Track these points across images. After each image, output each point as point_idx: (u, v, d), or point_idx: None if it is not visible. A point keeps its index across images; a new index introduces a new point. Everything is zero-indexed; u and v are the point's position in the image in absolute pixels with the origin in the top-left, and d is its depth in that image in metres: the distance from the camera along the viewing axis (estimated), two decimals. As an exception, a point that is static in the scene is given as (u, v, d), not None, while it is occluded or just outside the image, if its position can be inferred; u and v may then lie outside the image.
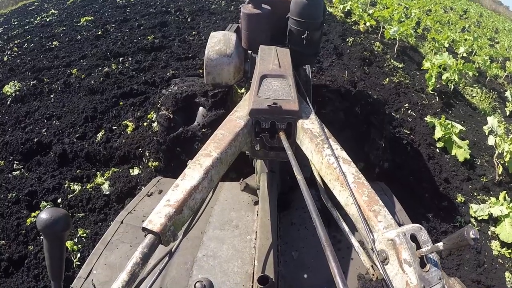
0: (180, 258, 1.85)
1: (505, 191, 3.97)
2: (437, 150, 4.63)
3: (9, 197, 3.85)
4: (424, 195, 3.88)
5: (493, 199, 3.95)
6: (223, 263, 1.79)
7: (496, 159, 4.49)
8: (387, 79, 5.90)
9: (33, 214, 3.60)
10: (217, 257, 1.83)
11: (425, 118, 4.99)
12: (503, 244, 3.58)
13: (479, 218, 3.83)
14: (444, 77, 5.86)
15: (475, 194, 4.17)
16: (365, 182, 1.33)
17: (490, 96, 6.63)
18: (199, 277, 1.63)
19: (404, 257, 1.04)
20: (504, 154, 4.32)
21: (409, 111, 5.21)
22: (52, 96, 5.96)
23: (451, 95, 6.02)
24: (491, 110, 6.37)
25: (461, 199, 4.00)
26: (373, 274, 1.27)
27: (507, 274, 3.31)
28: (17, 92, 6.22)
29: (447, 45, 7.85)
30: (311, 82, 3.22)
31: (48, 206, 3.63)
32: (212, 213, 2.18)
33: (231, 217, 2.15)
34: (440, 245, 1.00)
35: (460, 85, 6.52)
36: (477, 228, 3.77)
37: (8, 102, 6.04)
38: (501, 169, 4.38)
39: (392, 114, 5.09)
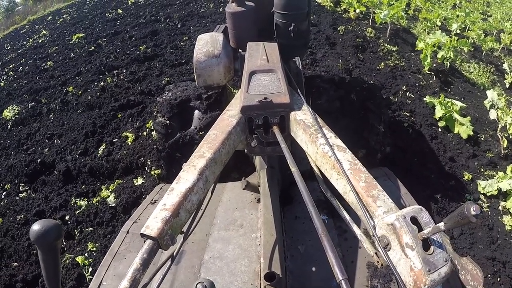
0: (187, 262, 1.85)
1: (506, 162, 3.92)
2: (439, 129, 4.58)
3: (18, 219, 3.90)
4: (430, 176, 3.85)
5: (500, 173, 3.86)
6: (230, 263, 1.79)
7: (500, 133, 4.41)
8: (382, 64, 5.87)
9: (42, 233, 3.62)
10: (224, 258, 1.82)
11: (424, 99, 4.94)
12: (515, 218, 3.53)
13: (488, 194, 3.75)
14: (439, 55, 5.80)
15: (482, 170, 4.07)
16: (362, 168, 1.31)
17: (488, 70, 6.56)
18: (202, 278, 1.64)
19: (406, 241, 1.02)
20: (507, 126, 4.27)
21: (407, 93, 5.17)
22: (51, 115, 6.01)
23: (448, 73, 5.95)
24: (490, 84, 6.30)
25: (469, 177, 3.93)
26: (378, 261, 1.26)
27: (521, 248, 3.27)
28: (17, 116, 6.29)
29: (439, 24, 7.76)
30: (302, 74, 3.20)
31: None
32: (216, 215, 2.17)
33: (235, 217, 2.14)
34: (441, 225, 0.96)
35: (457, 62, 6.45)
36: (487, 204, 3.69)
37: (9, 126, 6.11)
38: (505, 142, 4.30)
39: (390, 98, 5.06)
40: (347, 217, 1.37)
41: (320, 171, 1.54)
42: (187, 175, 1.37)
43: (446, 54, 5.76)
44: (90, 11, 14.58)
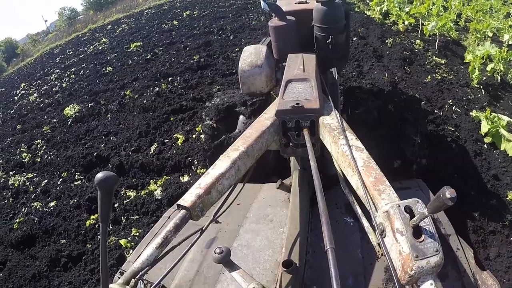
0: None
1: None
2: (485, 146, 4.41)
3: (71, 203, 4.40)
4: (469, 192, 3.74)
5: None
6: (255, 252, 1.96)
7: None
8: (429, 77, 5.77)
9: (92, 217, 4.08)
10: (251, 247, 2.00)
11: (470, 113, 4.81)
12: None
13: None
14: (488, 68, 5.55)
15: None
16: (375, 166, 1.44)
17: (544, 83, 6.11)
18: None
19: (397, 226, 1.11)
20: None
21: (453, 107, 5.05)
22: (108, 115, 6.60)
23: (499, 87, 5.65)
24: (546, 99, 5.90)
25: None
26: (378, 251, 1.36)
27: None
28: (77, 113, 7.02)
29: (491, 34, 7.39)
30: (338, 84, 3.31)
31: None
32: (250, 209, 2.36)
33: (267, 213, 2.31)
34: (425, 211, 1.05)
35: (509, 75, 6.12)
36: None
37: (69, 122, 6.85)
38: None
39: (435, 111, 4.97)
40: (359, 211, 1.49)
41: (341, 169, 1.69)
42: (222, 163, 1.61)
43: (496, 66, 5.52)
44: (147, 21, 15.56)
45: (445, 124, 4.68)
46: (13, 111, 10.45)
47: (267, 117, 2.00)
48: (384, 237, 1.18)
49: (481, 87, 5.58)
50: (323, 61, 2.86)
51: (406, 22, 7.79)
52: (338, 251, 1.98)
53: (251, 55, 2.97)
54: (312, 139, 1.89)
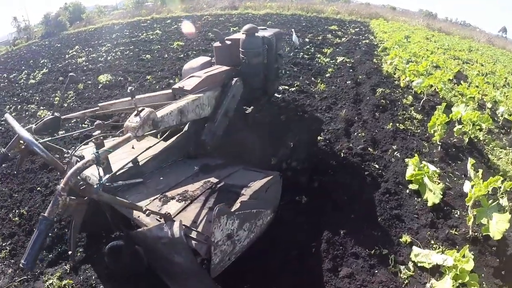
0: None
1: (470, 246, 3.28)
2: (407, 191, 4.32)
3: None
4: (350, 216, 3.80)
5: (451, 251, 3.19)
6: None
7: (471, 209, 3.77)
8: (391, 124, 5.87)
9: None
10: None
11: (405, 160, 4.83)
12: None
13: (419, 265, 3.32)
14: (455, 129, 5.54)
15: (433, 242, 3.60)
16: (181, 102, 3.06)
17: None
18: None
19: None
20: (469, 195, 3.75)
21: (395, 153, 5.10)
22: (128, 90, 8.08)
23: (464, 150, 5.45)
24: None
25: (406, 240, 3.58)
26: None
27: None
28: (107, 82, 9.00)
29: (490, 106, 7.24)
30: (235, 87, 4.16)
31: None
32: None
33: None
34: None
35: (490, 145, 5.95)
36: (411, 272, 3.29)
37: (99, 86, 8.88)
38: (471, 220, 3.64)
39: (369, 149, 5.06)
40: None
41: None
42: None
43: (464, 128, 5.48)
44: (201, 26, 17.12)
45: (374, 162, 4.76)
46: (60, 65, 12.64)
47: (167, 90, 3.68)
48: None
49: (441, 144, 5.48)
50: (240, 73, 4.21)
51: (408, 79, 7.94)
52: (184, 177, 3.30)
53: (195, 60, 4.63)
54: None
